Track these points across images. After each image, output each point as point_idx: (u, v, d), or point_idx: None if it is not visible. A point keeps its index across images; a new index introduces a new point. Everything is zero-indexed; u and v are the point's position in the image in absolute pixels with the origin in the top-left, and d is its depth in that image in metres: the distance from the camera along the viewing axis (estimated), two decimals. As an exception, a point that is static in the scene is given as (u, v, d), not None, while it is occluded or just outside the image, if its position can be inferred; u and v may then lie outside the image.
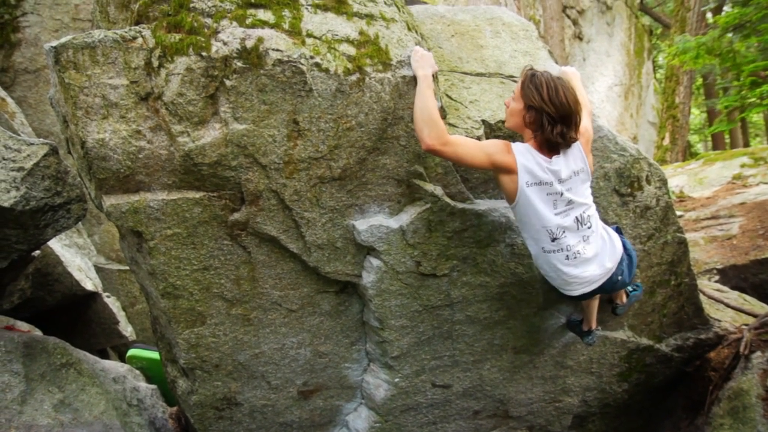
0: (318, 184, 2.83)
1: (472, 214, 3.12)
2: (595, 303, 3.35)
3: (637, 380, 4.10)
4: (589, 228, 2.82)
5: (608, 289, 3.02)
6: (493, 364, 3.64)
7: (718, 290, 4.91)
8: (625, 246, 3.01)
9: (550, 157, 2.71)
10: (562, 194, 2.73)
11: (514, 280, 3.36)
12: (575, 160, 2.77)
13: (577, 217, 2.78)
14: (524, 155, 2.69)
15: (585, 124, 2.88)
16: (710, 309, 4.33)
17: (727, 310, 4.48)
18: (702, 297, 4.16)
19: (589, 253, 2.83)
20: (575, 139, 2.72)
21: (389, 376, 3.45)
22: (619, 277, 2.97)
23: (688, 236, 5.11)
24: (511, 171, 2.69)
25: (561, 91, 2.63)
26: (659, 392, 4.29)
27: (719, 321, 4.21)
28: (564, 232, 2.78)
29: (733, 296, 4.84)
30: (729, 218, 7.12)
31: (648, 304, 3.88)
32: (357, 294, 3.25)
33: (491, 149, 2.69)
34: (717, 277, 6.04)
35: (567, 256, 2.81)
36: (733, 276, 6.05)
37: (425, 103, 2.64)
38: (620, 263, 2.95)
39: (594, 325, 3.45)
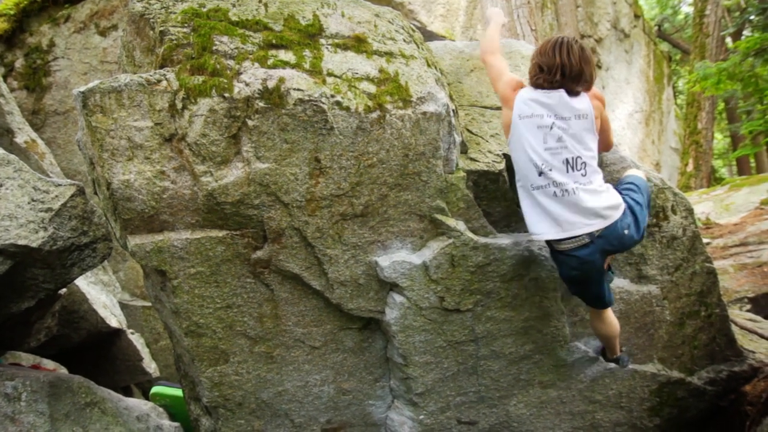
0: (340, 221, 2.83)
1: (495, 249, 3.09)
2: (609, 326, 3.19)
3: (669, 415, 3.97)
4: (583, 176, 2.71)
5: (615, 244, 2.78)
6: (519, 400, 3.56)
7: (750, 320, 4.77)
8: (628, 203, 2.82)
9: (549, 91, 2.71)
10: (551, 127, 2.69)
11: (540, 313, 3.30)
12: (580, 103, 2.73)
13: (567, 159, 2.69)
14: (525, 91, 2.77)
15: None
16: (743, 340, 4.20)
17: (761, 341, 4.34)
18: (734, 327, 4.04)
19: (580, 195, 2.68)
20: (571, 89, 2.72)
21: (414, 413, 3.39)
22: (626, 231, 2.75)
23: (717, 264, 5.00)
24: (510, 104, 2.77)
25: (550, 44, 2.74)
26: (693, 428, 4.15)
27: (753, 353, 4.08)
28: (551, 169, 2.68)
29: (767, 326, 4.69)
30: (759, 245, 6.96)
31: (678, 336, 3.78)
32: (380, 330, 3.22)
33: (511, 81, 2.84)
34: (748, 306, 5.88)
35: (555, 192, 2.69)
36: (765, 304, 5.87)
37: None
38: (624, 214, 2.75)
39: (618, 351, 3.38)
